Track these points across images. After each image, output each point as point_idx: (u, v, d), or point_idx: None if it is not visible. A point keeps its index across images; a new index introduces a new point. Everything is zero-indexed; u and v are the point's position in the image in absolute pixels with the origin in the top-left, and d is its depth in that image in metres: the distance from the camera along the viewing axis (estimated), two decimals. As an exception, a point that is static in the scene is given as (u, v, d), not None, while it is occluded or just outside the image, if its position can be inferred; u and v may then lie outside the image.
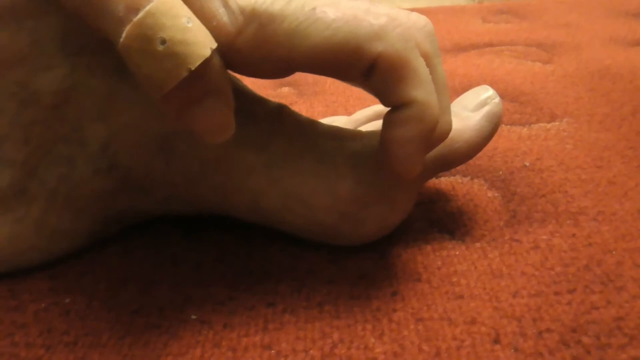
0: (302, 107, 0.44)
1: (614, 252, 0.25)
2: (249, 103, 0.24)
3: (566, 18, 0.68)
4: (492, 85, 0.46)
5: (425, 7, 0.81)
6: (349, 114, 0.42)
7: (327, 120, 0.31)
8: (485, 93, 0.25)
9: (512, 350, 0.20)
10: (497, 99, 0.25)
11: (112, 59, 0.23)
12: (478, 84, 0.46)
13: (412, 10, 0.77)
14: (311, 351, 0.20)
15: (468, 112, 0.25)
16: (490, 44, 0.59)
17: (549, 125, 0.38)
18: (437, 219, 0.28)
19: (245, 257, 0.26)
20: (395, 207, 0.24)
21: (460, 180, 0.31)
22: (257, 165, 0.23)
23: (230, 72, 0.25)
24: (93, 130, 0.23)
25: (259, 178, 0.24)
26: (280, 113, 0.24)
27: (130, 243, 0.27)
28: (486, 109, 0.25)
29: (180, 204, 0.25)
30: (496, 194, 0.30)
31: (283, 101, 0.46)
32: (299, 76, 0.51)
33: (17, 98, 0.22)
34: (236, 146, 0.23)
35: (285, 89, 0.48)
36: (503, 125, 0.38)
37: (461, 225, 0.27)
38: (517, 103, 0.42)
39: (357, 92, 0.47)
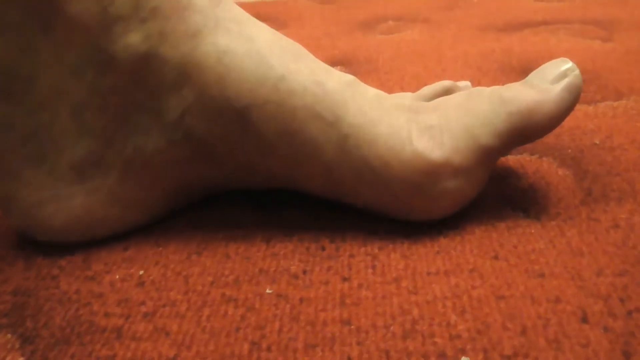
0: (356, 85, 0.43)
1: (699, 233, 0.24)
2: (321, 74, 0.24)
3: (623, -5, 0.65)
4: (551, 63, 0.45)
5: (473, -15, 0.78)
6: (405, 92, 0.42)
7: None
8: (564, 65, 0.24)
9: (602, 329, 0.19)
10: (577, 71, 0.24)
11: (185, 24, 0.22)
12: (537, 62, 0.45)
13: (459, -12, 0.76)
14: (392, 327, 0.20)
15: (547, 83, 0.24)
16: (545, 23, 0.57)
17: (615, 104, 0.36)
18: (509, 196, 0.27)
19: (316, 231, 0.25)
20: (470, 181, 0.24)
21: (528, 159, 0.30)
22: (331, 135, 0.23)
23: (292, 40, 0.25)
24: (170, 99, 0.23)
25: (333, 149, 0.23)
26: (353, 85, 0.24)
27: (200, 217, 0.27)
28: (566, 80, 0.24)
29: (251, 175, 0.25)
30: (567, 172, 0.29)
31: (336, 79, 0.45)
32: (351, 55, 0.51)
33: (97, 65, 0.22)
34: (311, 117, 0.23)
35: (339, 68, 0.48)
36: (568, 103, 0.37)
37: (534, 203, 0.26)
38: (579, 81, 0.41)
39: (412, 70, 0.46)
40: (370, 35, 0.58)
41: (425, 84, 0.43)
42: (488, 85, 0.41)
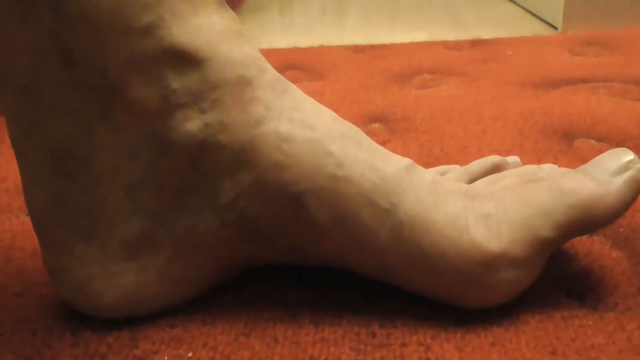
0: (395, 147, 0.43)
1: None
2: (379, 160, 0.24)
3: (661, 52, 0.65)
4: (594, 126, 0.44)
5: (507, 37, 0.79)
6: (445, 153, 0.41)
7: (440, 170, 0.31)
8: (626, 156, 0.24)
9: None
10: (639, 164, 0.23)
11: (248, 115, 0.22)
12: (578, 125, 0.45)
13: (494, 40, 0.76)
14: None
15: (608, 175, 0.24)
16: (583, 80, 0.57)
17: (665, 176, 0.36)
18: (562, 280, 0.26)
19: (366, 315, 0.25)
20: (527, 272, 0.23)
21: (579, 238, 0.30)
22: (386, 223, 0.23)
23: (352, 125, 0.25)
24: (225, 183, 0.23)
25: (387, 236, 0.23)
26: (410, 171, 0.24)
27: (243, 291, 0.27)
28: (628, 174, 0.23)
29: (300, 255, 0.25)
30: (621, 255, 0.28)
31: (374, 139, 0.45)
32: (388, 111, 0.51)
33: (154, 148, 0.22)
34: (366, 204, 0.23)
35: (376, 125, 0.48)
36: (615, 175, 0.36)
37: (589, 289, 0.26)
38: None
39: (451, 130, 0.46)
40: (406, 90, 0.58)
41: (465, 146, 0.43)
42: (532, 150, 0.41)
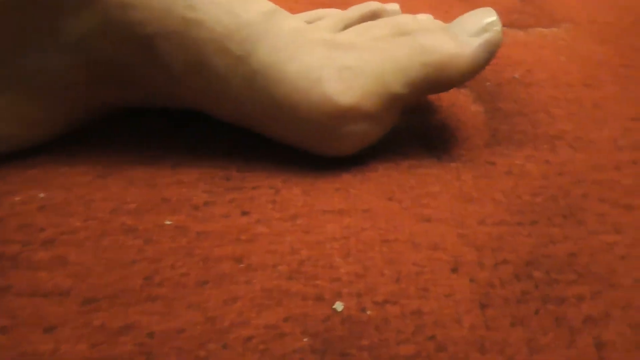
0: None
1: (582, 183, 0.25)
2: (239, 4, 0.23)
3: None
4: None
5: None
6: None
7: (316, 14, 0.30)
8: (489, 18, 0.24)
9: (468, 280, 0.21)
10: (499, 27, 0.24)
11: None
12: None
13: None
14: (279, 267, 0.21)
15: (468, 35, 0.24)
16: None
17: (546, 31, 0.36)
18: (420, 131, 0.28)
19: (225, 158, 0.26)
20: (376, 125, 0.24)
21: (446, 89, 0.31)
22: (238, 71, 0.23)
23: None
24: (67, 21, 0.22)
25: (241, 84, 0.23)
26: (272, 16, 0.23)
27: (113, 133, 0.27)
28: (486, 36, 0.23)
29: (161, 100, 0.25)
30: (480, 109, 0.29)
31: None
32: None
33: None
34: (218, 50, 0.22)
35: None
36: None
37: (442, 141, 0.27)
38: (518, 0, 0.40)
39: None
40: None
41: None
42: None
